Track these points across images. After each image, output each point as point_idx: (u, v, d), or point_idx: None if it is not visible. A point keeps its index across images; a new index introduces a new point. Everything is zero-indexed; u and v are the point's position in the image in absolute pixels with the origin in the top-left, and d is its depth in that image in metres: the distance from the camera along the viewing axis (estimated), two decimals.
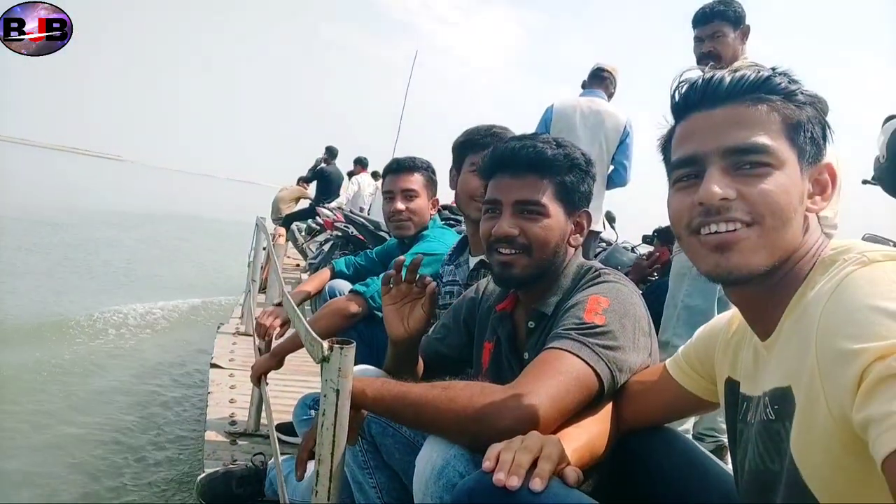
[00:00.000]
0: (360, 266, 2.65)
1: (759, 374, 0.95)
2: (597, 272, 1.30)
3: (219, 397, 3.00)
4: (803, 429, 0.78)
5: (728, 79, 0.92)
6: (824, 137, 0.90)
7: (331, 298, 2.39)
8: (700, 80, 0.96)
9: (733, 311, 1.10)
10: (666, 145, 1.05)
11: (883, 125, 2.37)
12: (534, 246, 1.30)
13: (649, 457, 1.13)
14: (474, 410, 1.04)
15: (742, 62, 2.78)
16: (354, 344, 1.08)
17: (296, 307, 1.48)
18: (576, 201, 1.35)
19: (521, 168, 1.32)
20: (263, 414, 2.52)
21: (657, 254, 4.27)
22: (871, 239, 2.31)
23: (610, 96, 4.02)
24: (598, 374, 1.11)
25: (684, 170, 0.95)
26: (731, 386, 1.04)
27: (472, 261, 2.01)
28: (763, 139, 0.88)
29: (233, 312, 5.15)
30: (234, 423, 2.71)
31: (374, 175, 9.97)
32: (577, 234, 1.37)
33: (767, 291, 0.90)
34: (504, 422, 1.01)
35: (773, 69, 0.92)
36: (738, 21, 2.77)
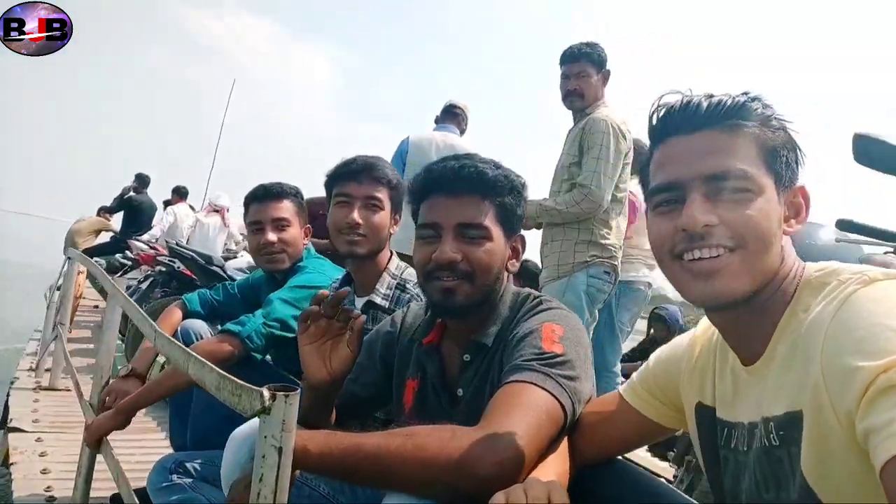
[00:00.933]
0: (217, 303, 2.36)
1: (743, 400, 0.95)
2: (536, 299, 1.26)
3: (26, 468, 2.45)
4: (815, 451, 0.78)
5: (705, 104, 0.94)
6: (797, 161, 0.94)
7: (185, 342, 2.08)
8: (678, 105, 0.97)
9: (693, 335, 1.11)
10: (644, 169, 1.05)
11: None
12: (477, 272, 1.22)
13: (607, 492, 1.08)
14: (449, 458, 0.92)
15: (602, 107, 3.02)
16: (300, 391, 0.91)
17: (187, 349, 1.23)
18: (514, 224, 1.30)
19: (461, 188, 1.24)
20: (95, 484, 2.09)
21: None
22: (867, 259, 2.57)
23: (462, 132, 4.10)
24: (563, 407, 1.05)
25: (665, 195, 0.96)
26: (704, 411, 1.03)
27: (359, 302, 1.86)
28: (742, 165, 0.90)
29: (19, 364, 4.25)
30: (52, 498, 2.22)
31: (192, 207, 9.20)
32: (514, 260, 1.31)
33: (752, 314, 0.91)
34: (485, 468, 0.91)
35: (747, 94, 0.94)
36: (601, 64, 3.04)
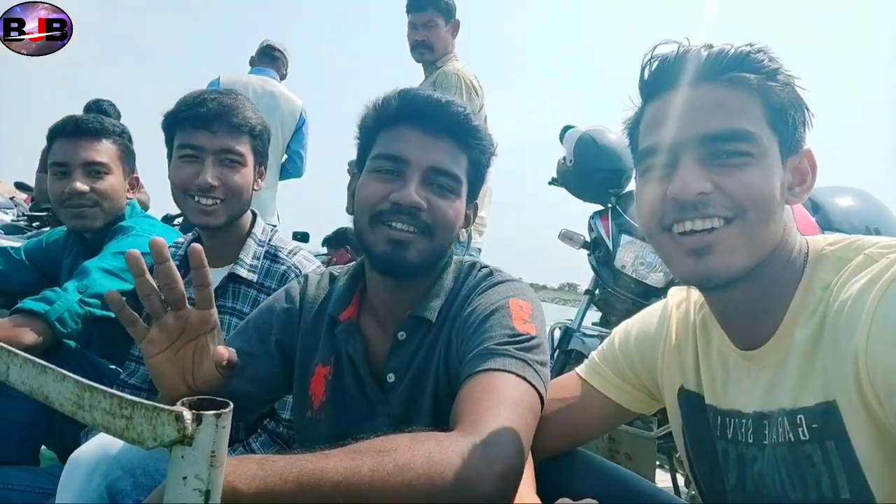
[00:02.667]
0: None
1: (739, 386, 0.87)
2: (485, 268, 1.09)
3: None
4: (871, 444, 0.71)
5: (704, 55, 0.84)
6: (804, 123, 0.86)
7: None
8: (672, 56, 0.86)
9: (665, 312, 1.02)
10: (633, 129, 0.94)
11: (564, 134, 2.71)
12: (439, 227, 1.03)
13: (572, 485, 0.96)
14: (444, 477, 0.72)
15: (454, 60, 2.87)
16: (232, 406, 0.63)
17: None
18: (477, 189, 1.13)
19: (444, 128, 1.04)
20: None
21: (333, 258, 4.18)
22: (566, 235, 2.61)
23: (282, 77, 3.72)
24: (541, 399, 0.91)
25: (655, 158, 0.86)
26: (689, 397, 0.95)
27: (216, 275, 1.51)
28: (745, 125, 0.81)
29: None
30: None
31: None
32: (464, 228, 1.12)
33: (755, 293, 0.83)
34: (488, 484, 0.73)
35: (751, 45, 0.84)
36: (449, 14, 2.91)
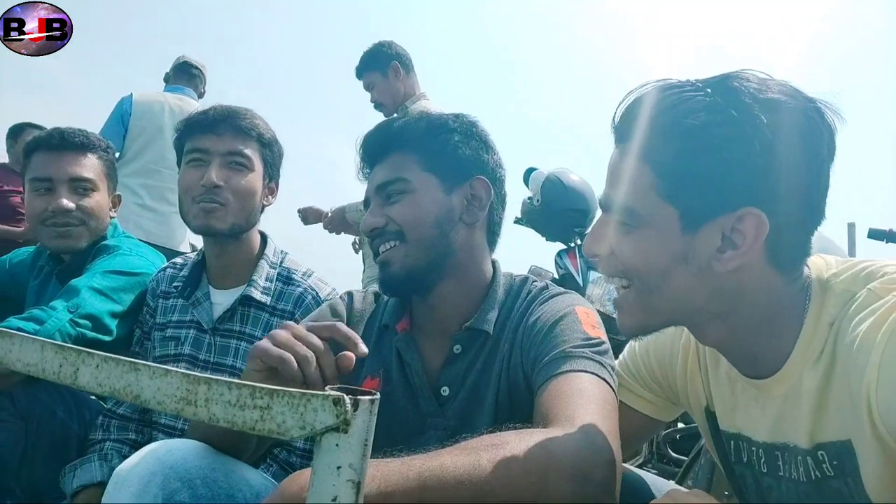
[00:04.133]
0: None
1: (748, 412, 0.88)
2: (536, 282, 1.11)
3: None
4: (884, 486, 0.72)
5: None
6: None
7: None
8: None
9: (675, 329, 1.00)
10: None
11: (529, 175, 2.81)
12: (404, 228, 1.07)
13: None
14: (561, 465, 0.73)
15: (420, 99, 2.91)
16: (379, 395, 0.61)
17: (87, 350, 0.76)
18: (453, 169, 1.13)
19: (383, 152, 1.14)
20: None
21: None
22: (535, 271, 2.68)
23: (200, 96, 3.55)
24: (616, 400, 0.92)
25: None
26: (711, 417, 0.96)
27: (224, 297, 1.45)
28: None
29: None
30: None
31: None
32: (475, 208, 1.14)
33: (759, 329, 0.81)
34: (601, 471, 0.75)
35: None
36: (380, 66, 2.89)
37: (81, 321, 1.37)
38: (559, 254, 2.68)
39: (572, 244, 2.67)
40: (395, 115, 2.91)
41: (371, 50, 2.93)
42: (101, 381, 0.71)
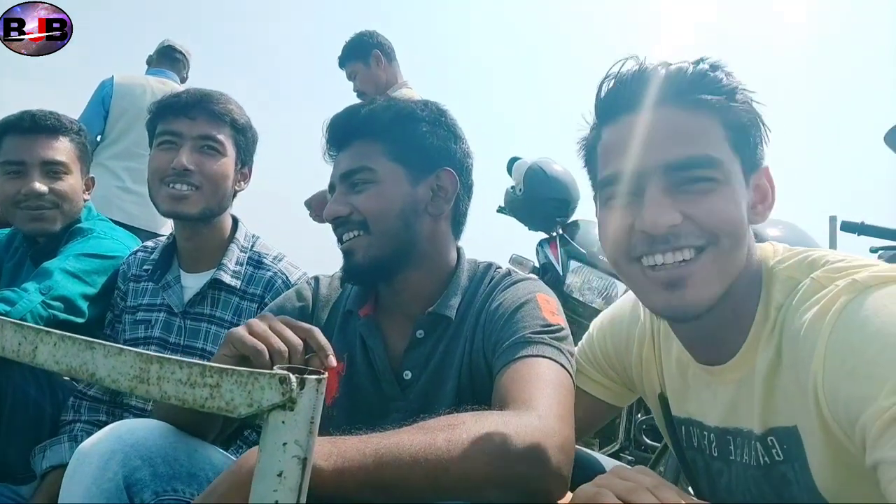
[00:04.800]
0: None
1: (699, 397, 0.89)
2: (501, 269, 1.12)
3: None
4: (829, 469, 0.74)
5: (663, 74, 0.83)
6: (762, 140, 0.85)
7: None
8: (631, 76, 0.84)
9: (633, 312, 1.03)
10: (590, 151, 0.91)
11: (512, 165, 2.82)
12: (368, 219, 1.07)
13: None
14: (514, 446, 0.74)
15: (402, 88, 2.91)
16: (326, 375, 0.63)
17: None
18: (420, 160, 1.12)
19: (347, 139, 1.13)
20: None
21: None
22: (517, 260, 2.69)
23: (183, 80, 3.47)
24: (573, 385, 0.94)
25: (618, 187, 0.84)
26: (664, 403, 0.99)
27: (193, 280, 1.46)
28: (708, 150, 0.80)
29: None
30: None
31: None
32: (440, 200, 1.13)
33: (722, 318, 0.83)
34: (554, 455, 0.76)
35: (705, 60, 0.84)
36: (361, 55, 2.91)
37: (54, 303, 1.37)
38: (540, 243, 2.69)
39: (554, 234, 2.68)
40: None
41: (353, 39, 2.94)
42: (58, 359, 0.72)
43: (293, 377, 0.58)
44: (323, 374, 0.61)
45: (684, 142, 0.79)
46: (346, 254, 1.09)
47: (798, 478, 0.78)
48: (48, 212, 1.58)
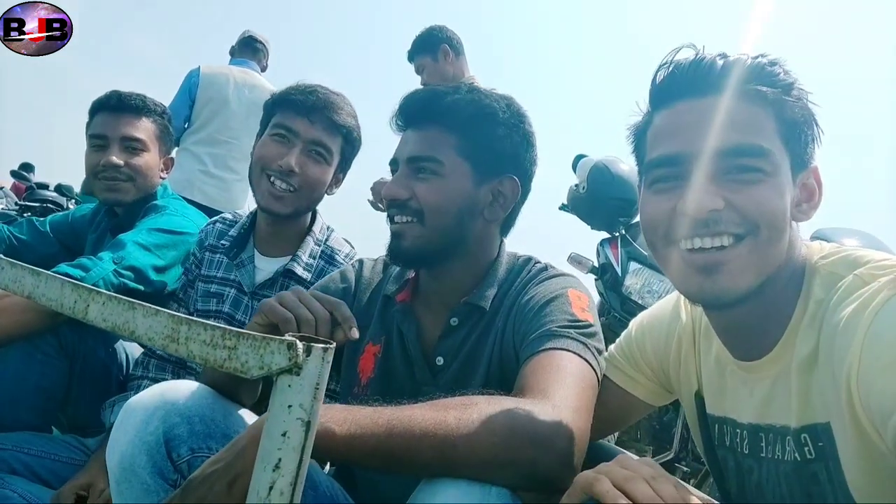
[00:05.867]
0: (17, 242, 1.82)
1: (735, 395, 0.89)
2: (540, 264, 1.14)
3: None
4: (862, 468, 0.72)
5: (721, 64, 0.83)
6: (814, 139, 0.85)
7: None
8: (688, 63, 0.84)
9: (674, 311, 1.02)
10: (640, 136, 0.91)
11: (577, 163, 2.78)
12: (425, 211, 1.07)
13: None
14: (524, 429, 0.76)
15: (469, 82, 2.94)
16: (335, 344, 0.66)
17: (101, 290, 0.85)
18: (490, 162, 1.11)
19: (418, 121, 1.12)
20: None
21: None
22: (575, 259, 2.66)
23: (263, 69, 3.59)
24: (598, 382, 0.95)
25: (663, 170, 0.84)
26: (699, 401, 0.97)
27: (268, 264, 1.51)
28: (758, 140, 0.80)
29: None
30: None
31: None
32: (496, 206, 1.13)
33: (759, 310, 0.83)
34: (562, 441, 0.77)
35: (766, 56, 0.84)
36: (430, 49, 2.95)
37: (125, 272, 1.48)
38: (601, 243, 2.65)
39: (616, 234, 2.63)
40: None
41: (422, 34, 2.99)
42: (105, 317, 0.79)
43: (300, 344, 0.61)
44: (330, 343, 0.64)
45: (735, 129, 0.80)
46: (395, 235, 1.10)
47: (831, 477, 0.77)
48: (122, 184, 1.70)
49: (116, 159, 1.68)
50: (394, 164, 1.14)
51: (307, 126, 1.44)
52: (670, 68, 0.86)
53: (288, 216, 1.47)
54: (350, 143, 1.52)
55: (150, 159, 1.74)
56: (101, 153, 1.69)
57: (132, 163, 1.70)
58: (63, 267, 1.42)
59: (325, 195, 1.54)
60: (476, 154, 1.09)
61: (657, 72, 0.87)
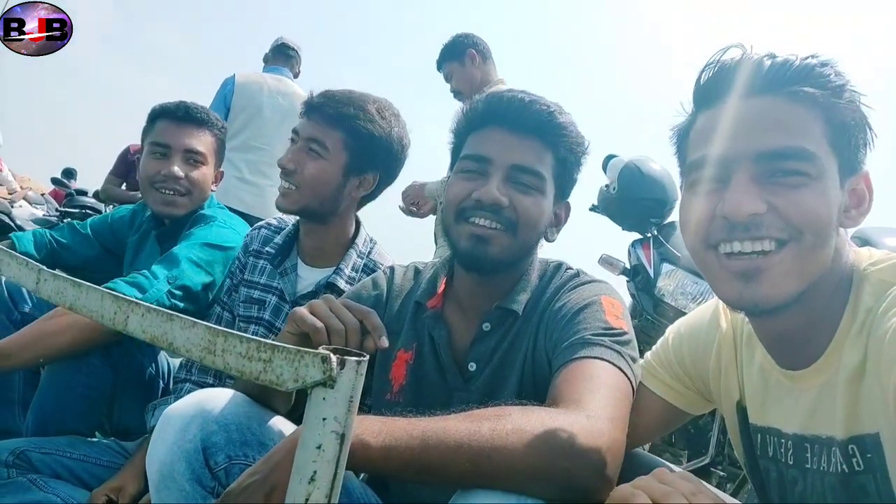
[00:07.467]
0: (58, 246, 1.86)
1: (779, 405, 0.86)
2: (571, 269, 1.13)
3: None
4: None
5: (768, 64, 0.80)
6: (865, 143, 0.82)
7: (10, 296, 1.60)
8: (733, 63, 0.82)
9: (713, 319, 1.00)
10: (682, 138, 0.90)
11: (607, 163, 2.75)
12: (521, 223, 1.06)
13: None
14: (558, 441, 0.75)
15: (497, 85, 2.93)
16: (368, 357, 0.67)
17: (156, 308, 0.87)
18: (566, 187, 1.16)
19: (526, 127, 1.07)
20: None
21: None
22: (606, 260, 2.64)
23: (296, 76, 3.64)
24: (633, 391, 0.94)
25: (705, 171, 0.82)
26: (741, 411, 0.95)
27: (311, 274, 1.51)
28: (804, 143, 0.77)
29: None
30: None
31: None
32: (554, 228, 1.17)
33: (803, 318, 0.80)
34: (598, 454, 0.76)
35: (815, 57, 0.81)
36: (457, 55, 2.99)
37: (177, 292, 1.51)
38: (633, 244, 2.62)
39: (648, 235, 2.60)
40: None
41: (449, 42, 3.03)
42: (144, 328, 0.81)
43: (334, 357, 0.62)
44: (364, 356, 0.65)
45: (780, 131, 0.77)
46: (479, 239, 1.06)
47: (879, 489, 0.75)
48: (180, 198, 1.71)
49: (179, 171, 1.70)
50: (480, 160, 1.09)
51: (304, 125, 1.46)
52: (715, 68, 0.84)
53: (298, 214, 1.48)
54: (360, 139, 1.43)
55: (207, 173, 1.78)
56: (163, 162, 1.71)
57: (192, 176, 1.73)
58: (120, 285, 1.45)
59: (353, 197, 1.49)
60: (560, 177, 1.13)
61: (702, 72, 0.86)
